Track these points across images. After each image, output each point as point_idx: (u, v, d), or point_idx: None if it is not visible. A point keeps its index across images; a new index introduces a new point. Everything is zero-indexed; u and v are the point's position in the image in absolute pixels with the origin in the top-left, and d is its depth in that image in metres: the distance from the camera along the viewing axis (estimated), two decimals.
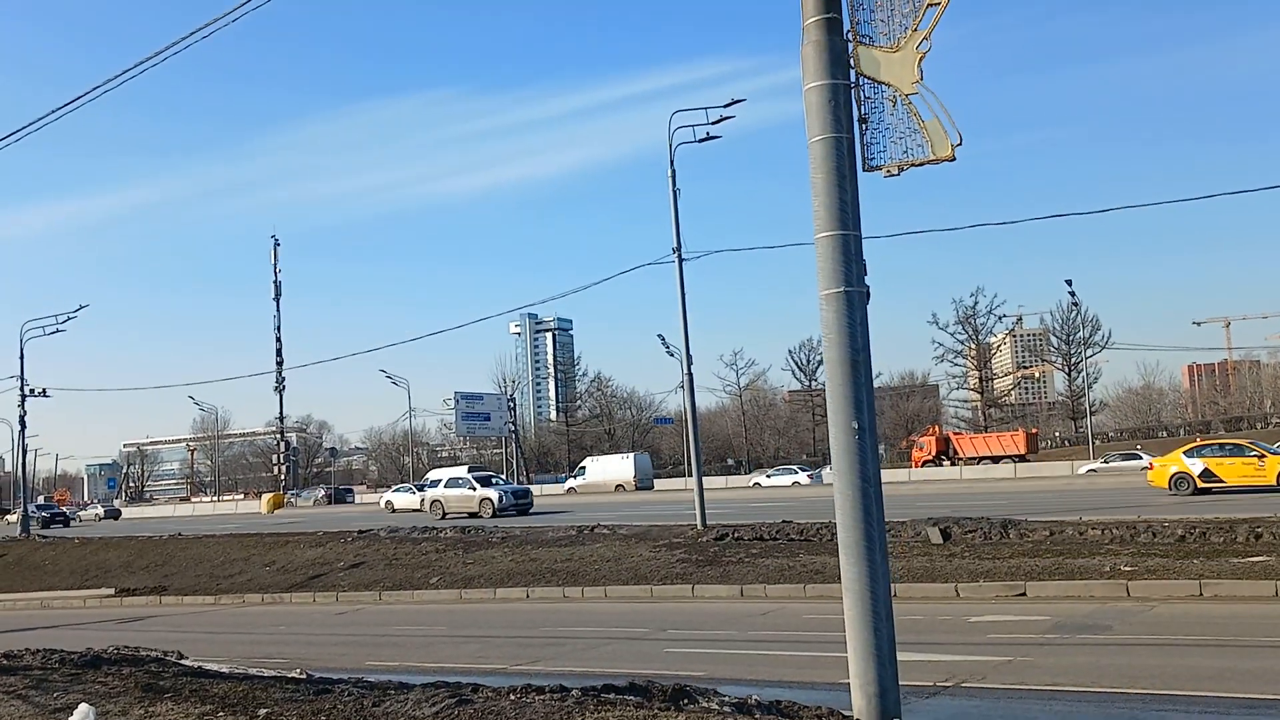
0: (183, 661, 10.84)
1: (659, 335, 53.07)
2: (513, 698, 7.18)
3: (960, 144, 5.66)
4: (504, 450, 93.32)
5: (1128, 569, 14.00)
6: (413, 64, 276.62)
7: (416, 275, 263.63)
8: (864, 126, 5.98)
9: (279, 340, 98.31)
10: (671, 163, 25.77)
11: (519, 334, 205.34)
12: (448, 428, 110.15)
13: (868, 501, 5.96)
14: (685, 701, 7.02)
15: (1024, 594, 13.63)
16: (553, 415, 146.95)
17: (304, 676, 9.28)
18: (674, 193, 25.86)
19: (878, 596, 5.90)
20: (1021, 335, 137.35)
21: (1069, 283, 66.99)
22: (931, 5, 5.63)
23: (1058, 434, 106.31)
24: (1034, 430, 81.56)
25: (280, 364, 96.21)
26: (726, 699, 7.08)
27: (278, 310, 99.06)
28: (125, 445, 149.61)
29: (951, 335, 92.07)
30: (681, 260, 26.10)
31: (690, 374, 26.59)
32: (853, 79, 5.97)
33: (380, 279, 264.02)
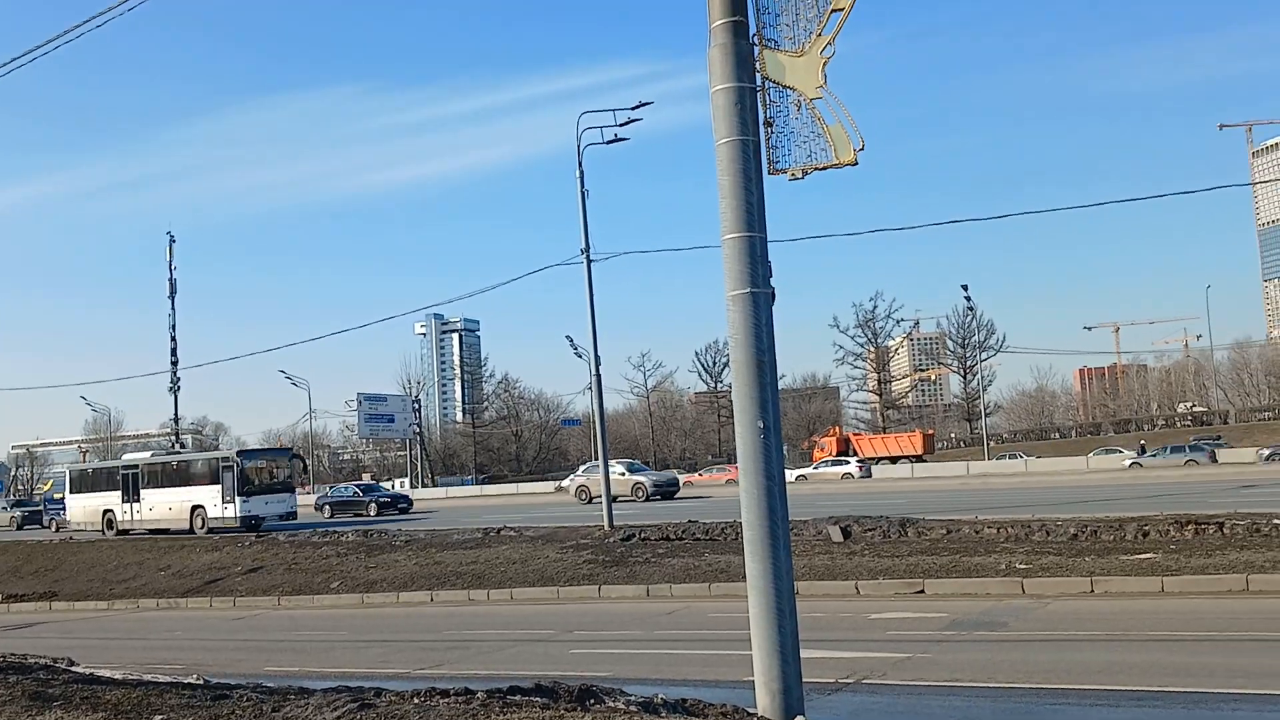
0: (73, 668, 10.47)
1: (567, 337, 53.09)
2: (416, 701, 7.08)
3: (862, 149, 5.76)
4: (408, 452, 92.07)
5: (1023, 567, 14.40)
6: (318, 59, 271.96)
7: (319, 274, 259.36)
8: (769, 130, 6.05)
9: (174, 339, 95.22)
10: (580, 164, 25.77)
11: (425, 335, 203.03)
12: (350, 429, 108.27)
13: (772, 500, 6.02)
14: (592, 702, 7.01)
15: (922, 591, 13.92)
16: (459, 417, 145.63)
17: (201, 682, 9.03)
18: (582, 194, 25.86)
19: (781, 594, 5.96)
20: (919, 339, 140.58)
21: (965, 288, 68.65)
22: (835, 11, 5.72)
23: (953, 435, 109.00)
24: (930, 431, 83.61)
25: (175, 364, 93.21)
26: (633, 699, 7.08)
27: (173, 308, 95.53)
28: (14, 447, 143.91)
29: (852, 338, 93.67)
30: (590, 261, 26.11)
31: (598, 375, 26.61)
32: (759, 82, 6.04)
33: (281, 278, 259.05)
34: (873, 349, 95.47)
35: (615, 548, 20.24)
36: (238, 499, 35.96)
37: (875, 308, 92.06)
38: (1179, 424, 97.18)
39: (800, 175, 5.99)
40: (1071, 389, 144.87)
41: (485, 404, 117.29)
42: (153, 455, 43.38)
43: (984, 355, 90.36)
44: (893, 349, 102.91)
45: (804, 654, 6.16)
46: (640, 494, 41.07)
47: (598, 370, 26.51)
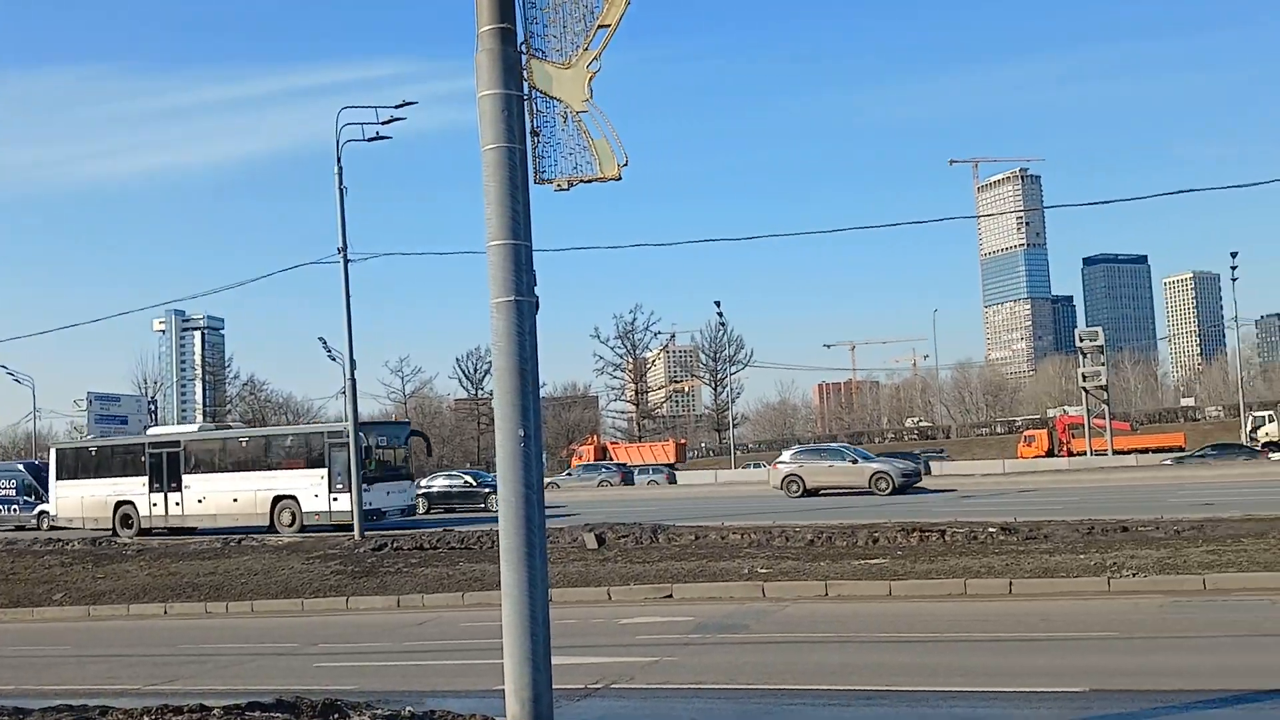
0: None
1: (320, 338, 51.09)
2: (147, 719, 6.66)
3: (626, 164, 5.88)
4: None
5: (764, 571, 15.02)
6: (68, 32, 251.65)
7: (51, 263, 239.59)
8: (536, 139, 6.07)
9: None
10: (339, 160, 25.06)
11: (164, 332, 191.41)
12: (79, 430, 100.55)
13: (530, 508, 6.03)
14: (336, 716, 6.80)
15: (671, 596, 14.28)
16: (200, 420, 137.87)
17: None
18: (340, 191, 25.16)
19: (536, 602, 5.98)
20: (675, 351, 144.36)
21: (718, 304, 71.25)
22: (603, 27, 5.81)
23: (704, 444, 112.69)
24: (683, 441, 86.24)
25: None
26: (379, 711, 6.92)
27: None
28: None
29: (612, 349, 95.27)
30: (347, 261, 25.41)
31: (353, 379, 25.89)
32: (526, 91, 6.05)
33: (6, 267, 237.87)
34: (631, 360, 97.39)
35: (366, 558, 19.73)
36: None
37: (635, 320, 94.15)
38: (906, 438, 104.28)
39: (566, 186, 6.04)
40: (811, 402, 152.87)
41: (229, 406, 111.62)
42: (200, 429, 34.37)
43: (733, 369, 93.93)
44: (650, 360, 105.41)
45: (555, 661, 6.20)
46: (885, 486, 32.63)
47: (353, 374, 25.80)
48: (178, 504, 30.21)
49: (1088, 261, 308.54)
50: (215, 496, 29.52)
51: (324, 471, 28.24)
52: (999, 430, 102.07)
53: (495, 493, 34.15)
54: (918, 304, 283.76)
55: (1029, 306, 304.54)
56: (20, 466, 43.41)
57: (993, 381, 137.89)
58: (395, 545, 20.69)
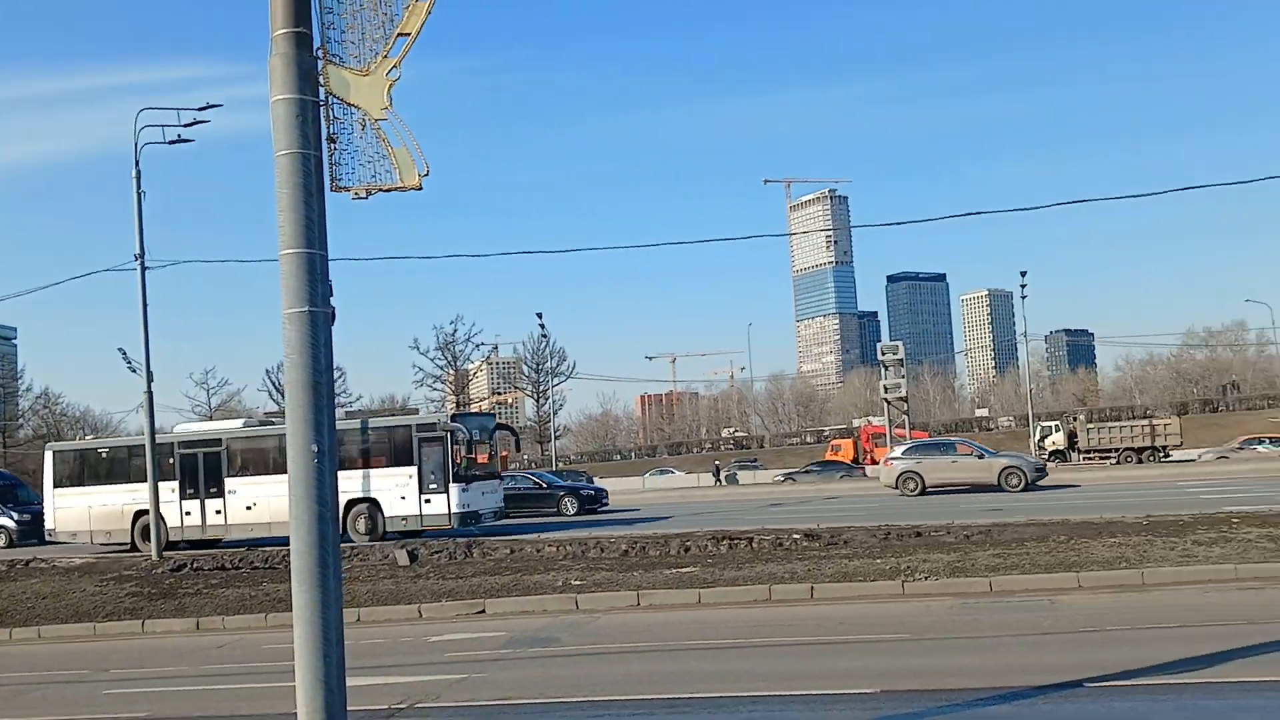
0: None
1: (120, 349, 48.31)
2: None
3: (427, 174, 5.80)
4: None
5: (577, 583, 15.06)
6: None
7: None
8: (333, 146, 5.93)
9: None
10: (136, 163, 23.88)
11: None
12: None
13: (324, 526, 5.87)
14: None
15: (484, 611, 14.14)
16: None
17: None
18: (138, 195, 23.98)
19: (329, 623, 5.83)
20: (497, 363, 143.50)
21: (539, 316, 71.24)
22: (403, 35, 5.73)
23: (526, 456, 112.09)
24: (504, 453, 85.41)
25: None
26: None
27: None
28: None
29: (432, 361, 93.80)
30: (144, 268, 24.22)
31: (150, 392, 24.62)
32: (323, 96, 5.90)
33: None
34: (452, 372, 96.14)
35: (163, 579, 18.81)
36: (453, 487, 25.03)
37: (455, 331, 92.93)
38: (723, 447, 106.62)
39: (364, 195, 5.92)
40: (633, 414, 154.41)
41: (20, 421, 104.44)
42: (245, 425, 29.18)
43: (556, 380, 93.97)
44: (472, 372, 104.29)
45: (361, 681, 6.07)
46: (1016, 481, 31.26)
47: (150, 386, 24.55)
48: (218, 512, 26.58)
49: (891, 279, 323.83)
50: (268, 502, 25.53)
51: (413, 470, 25.14)
52: (809, 440, 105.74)
53: (569, 495, 33.69)
54: (735, 318, 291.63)
55: (837, 321, 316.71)
56: None
57: (804, 393, 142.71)
58: (195, 565, 19.84)
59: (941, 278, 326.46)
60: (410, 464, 25.11)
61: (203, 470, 26.81)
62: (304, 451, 5.85)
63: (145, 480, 25.33)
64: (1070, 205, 41.85)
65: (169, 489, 26.41)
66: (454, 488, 24.69)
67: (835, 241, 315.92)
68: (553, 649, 11.41)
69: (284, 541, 26.34)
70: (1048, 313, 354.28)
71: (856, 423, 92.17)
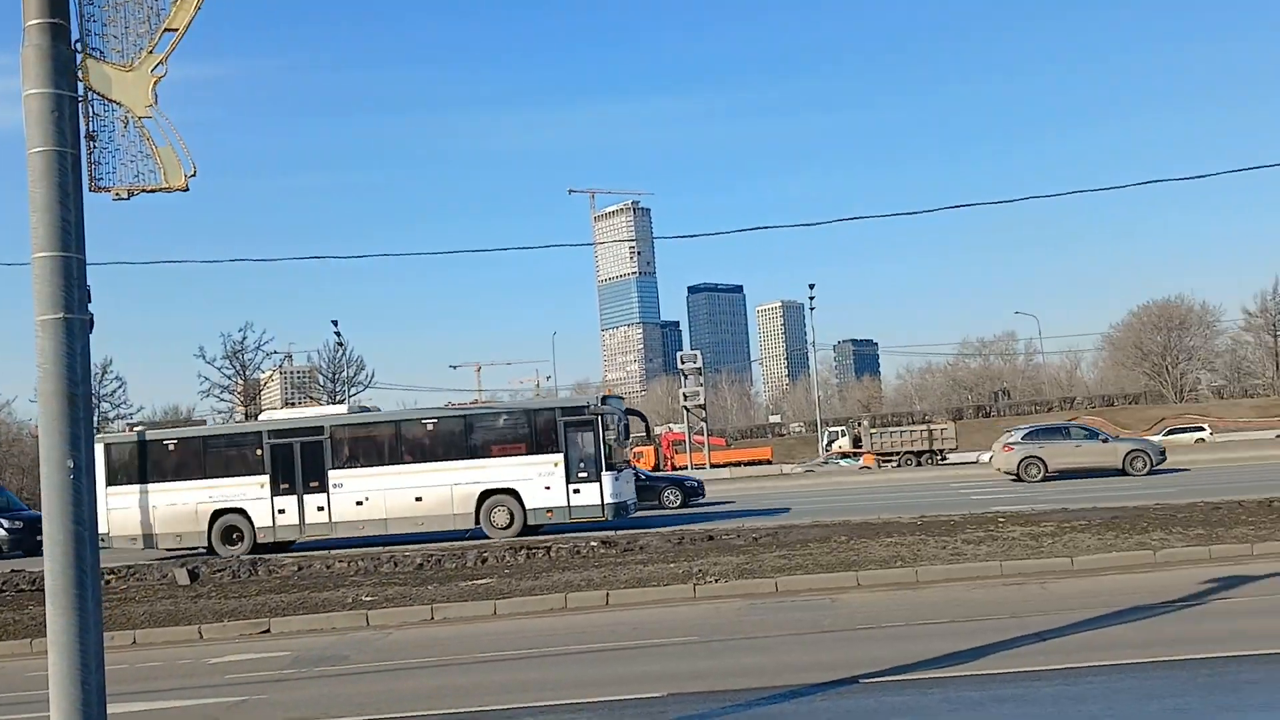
0: None
1: None
2: None
3: (194, 175, 5.57)
4: None
5: (368, 599, 14.70)
6: None
7: None
8: (92, 144, 5.61)
9: None
10: None
11: None
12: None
13: (81, 547, 5.54)
14: None
15: (268, 631, 13.61)
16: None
17: None
18: None
19: (88, 648, 5.49)
20: (291, 372, 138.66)
21: (335, 323, 69.50)
22: (170, 30, 5.48)
23: None
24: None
25: None
26: None
27: None
28: None
29: (220, 370, 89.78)
30: None
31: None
32: (81, 92, 5.58)
33: None
34: (242, 381, 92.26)
35: None
36: (606, 475, 23.37)
37: (245, 339, 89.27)
38: None
39: (126, 195, 5.63)
40: None
41: None
42: (351, 411, 26.26)
43: (354, 390, 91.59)
44: (263, 382, 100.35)
45: (130, 708, 5.77)
46: (1142, 465, 30.86)
47: None
48: (320, 508, 23.99)
49: (692, 290, 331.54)
50: (384, 496, 23.58)
51: (558, 458, 23.49)
52: None
53: (671, 487, 31.64)
54: (541, 327, 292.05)
55: (641, 331, 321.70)
56: None
57: None
58: None
59: (739, 289, 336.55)
60: (555, 451, 23.56)
61: (300, 462, 24.32)
62: (59, 468, 5.51)
63: (226, 474, 24.04)
64: (858, 220, 43.94)
65: (256, 484, 24.20)
66: (607, 476, 23.40)
67: (638, 252, 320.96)
68: (340, 667, 11.10)
69: (401, 540, 22.83)
70: (836, 323, 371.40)
71: (658, 430, 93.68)
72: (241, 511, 24.11)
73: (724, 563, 15.30)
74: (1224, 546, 14.11)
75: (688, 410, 56.39)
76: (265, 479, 24.23)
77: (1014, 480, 31.87)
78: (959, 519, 19.19)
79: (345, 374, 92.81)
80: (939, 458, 54.30)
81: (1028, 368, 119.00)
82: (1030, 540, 15.67)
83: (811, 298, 69.67)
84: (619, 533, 20.55)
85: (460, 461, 23.58)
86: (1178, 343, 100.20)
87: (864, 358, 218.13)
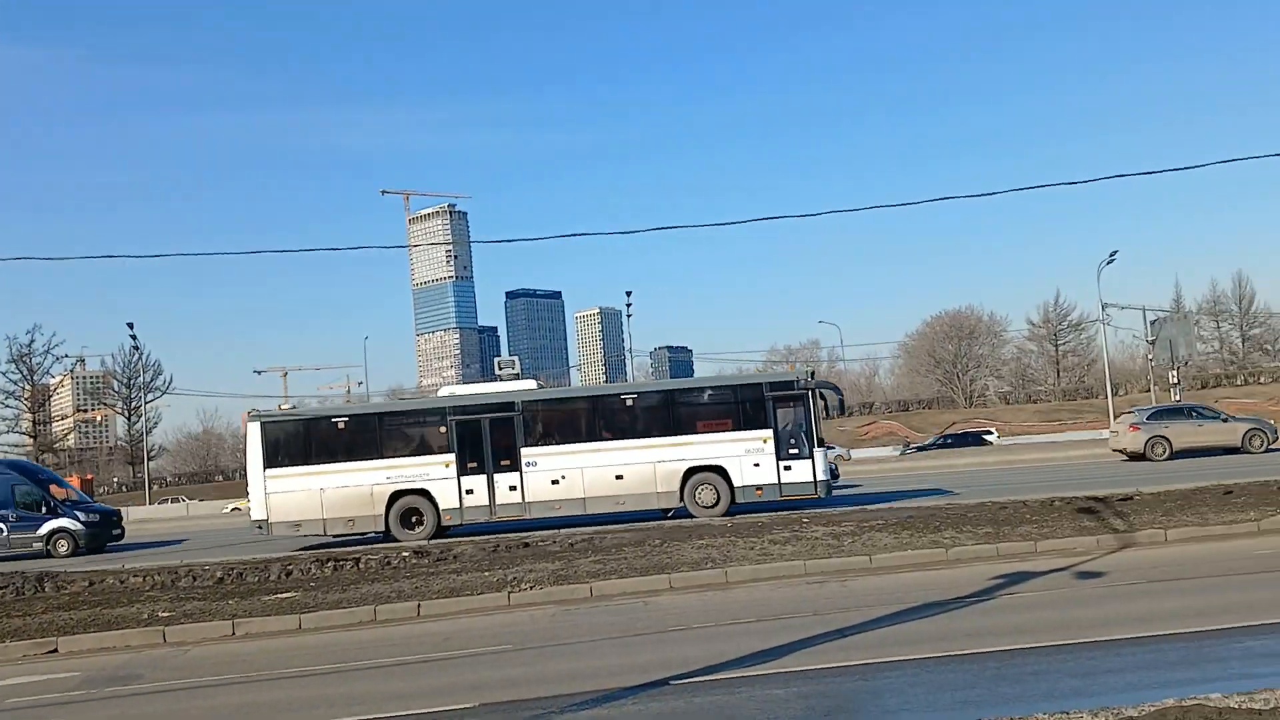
0: None
1: None
2: None
3: None
4: None
5: (165, 615, 14.03)
6: None
7: None
8: None
9: None
10: None
11: None
12: None
13: None
14: None
15: (56, 650, 12.81)
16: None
17: None
18: None
19: None
20: (83, 377, 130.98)
21: (130, 326, 65.75)
22: None
23: (116, 479, 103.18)
24: (90, 476, 78.23)
25: None
26: None
27: None
28: None
29: (4, 375, 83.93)
30: None
31: None
32: None
33: None
34: (28, 387, 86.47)
35: None
36: (818, 452, 22.48)
37: (33, 342, 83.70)
38: None
39: None
40: (239, 431, 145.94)
41: None
42: (540, 387, 25.17)
43: (150, 396, 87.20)
44: (53, 387, 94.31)
45: None
46: (1259, 443, 30.97)
47: None
48: (513, 488, 22.58)
49: (510, 295, 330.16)
50: (583, 474, 22.37)
51: (768, 433, 22.55)
52: None
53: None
54: (352, 331, 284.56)
55: (458, 335, 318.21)
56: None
57: None
58: None
59: (558, 295, 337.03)
60: (764, 426, 22.76)
61: (490, 439, 22.98)
62: None
63: (406, 454, 22.98)
64: (675, 229, 44.93)
65: (440, 464, 22.82)
66: (819, 453, 22.68)
67: (455, 256, 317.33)
68: (134, 687, 10.57)
69: (598, 520, 22.62)
70: (653, 330, 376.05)
71: None
72: (424, 493, 22.80)
73: (539, 569, 15.31)
74: (1010, 544, 14.99)
75: None
76: (450, 457, 22.97)
77: (1129, 461, 32.66)
78: (766, 520, 19.66)
79: (141, 380, 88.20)
80: None
81: (830, 374, 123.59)
82: (832, 540, 16.28)
83: (629, 305, 70.53)
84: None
85: (663, 438, 22.80)
86: (968, 351, 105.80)
87: (679, 364, 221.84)
